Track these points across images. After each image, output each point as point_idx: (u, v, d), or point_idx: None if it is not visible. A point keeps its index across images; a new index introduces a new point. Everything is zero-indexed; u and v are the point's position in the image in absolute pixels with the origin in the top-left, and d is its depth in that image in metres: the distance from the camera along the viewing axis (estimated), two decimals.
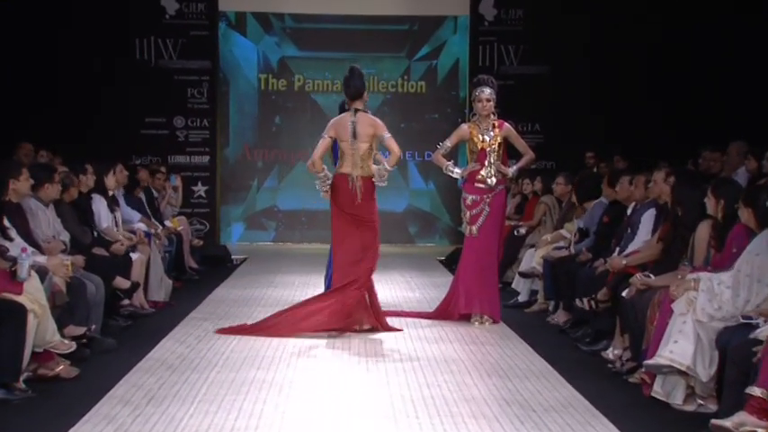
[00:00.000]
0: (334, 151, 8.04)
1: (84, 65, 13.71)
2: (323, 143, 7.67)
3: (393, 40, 15.16)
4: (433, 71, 15.18)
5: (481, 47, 14.46)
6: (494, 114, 8.29)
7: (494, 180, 8.20)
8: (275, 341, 7.21)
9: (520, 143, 8.44)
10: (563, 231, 8.98)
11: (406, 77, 15.17)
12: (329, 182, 7.72)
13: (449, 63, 15.14)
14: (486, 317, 8.10)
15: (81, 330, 6.56)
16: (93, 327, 6.85)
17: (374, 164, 7.69)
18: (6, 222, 6.45)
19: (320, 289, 9.82)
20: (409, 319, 8.24)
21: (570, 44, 14.11)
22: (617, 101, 13.86)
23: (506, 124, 8.33)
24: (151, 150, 14.05)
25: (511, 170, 8.40)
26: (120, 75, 13.96)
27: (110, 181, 8.82)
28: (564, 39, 14.11)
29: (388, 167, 7.64)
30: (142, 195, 10.44)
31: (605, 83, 13.94)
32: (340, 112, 8.10)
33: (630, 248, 7.14)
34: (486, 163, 8.22)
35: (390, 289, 10.27)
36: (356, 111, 7.63)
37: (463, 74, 14.94)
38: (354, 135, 7.57)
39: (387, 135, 7.60)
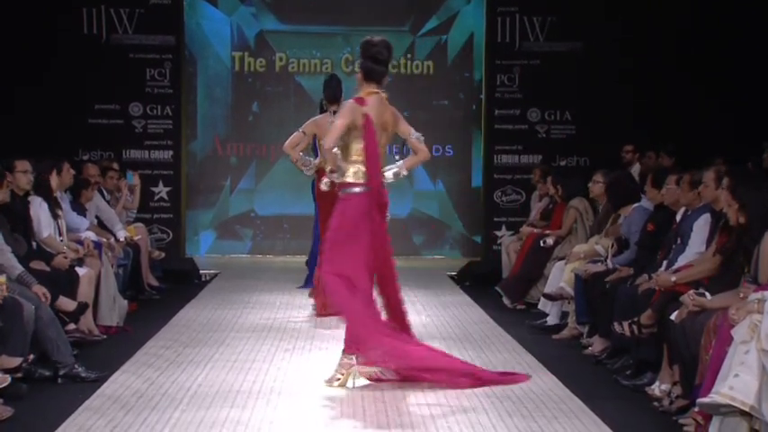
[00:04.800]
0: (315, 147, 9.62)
1: (19, 40, 13.69)
2: (295, 136, 9.23)
3: (394, 11, 15.16)
4: (443, 48, 15.18)
5: (500, 19, 14.46)
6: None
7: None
8: (251, 374, 7.20)
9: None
10: (598, 247, 8.97)
11: (409, 56, 15.17)
12: (311, 165, 9.12)
13: (461, 39, 15.13)
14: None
15: (16, 362, 6.54)
16: (32, 357, 6.83)
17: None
18: None
19: (307, 310, 9.88)
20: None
21: (607, 16, 14.10)
22: (664, 84, 13.85)
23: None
24: (102, 144, 14.04)
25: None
26: (63, 52, 13.94)
27: (53, 181, 8.80)
28: (600, 9, 14.11)
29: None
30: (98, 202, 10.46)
31: (650, 63, 13.93)
32: (321, 112, 9.86)
33: (681, 262, 7.12)
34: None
35: None
36: (335, 113, 8.63)
37: (479, 51, 14.94)
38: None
39: None
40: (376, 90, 7.03)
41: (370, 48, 7.05)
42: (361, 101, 6.99)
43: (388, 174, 7.13)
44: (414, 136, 7.14)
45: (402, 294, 7.19)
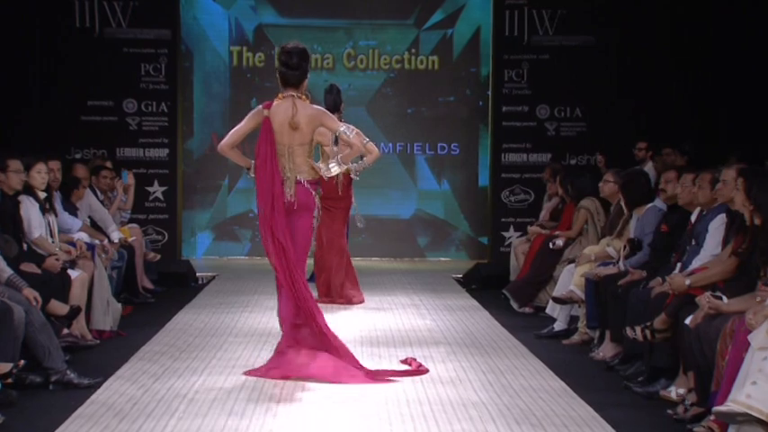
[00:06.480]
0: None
1: (9, 33, 13.69)
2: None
3: (398, 4, 15.18)
4: (448, 43, 15.18)
5: (508, 12, 14.47)
6: None
7: None
8: (250, 380, 7.20)
9: None
10: (609, 249, 8.97)
11: (414, 51, 15.17)
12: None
13: (467, 32, 15.14)
14: None
15: (6, 367, 6.52)
16: (22, 362, 6.81)
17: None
18: None
19: None
20: (418, 351, 8.22)
21: (619, 8, 14.09)
22: (679, 80, 13.85)
23: None
24: (95, 142, 14.06)
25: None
26: (55, 47, 13.94)
27: (34, 178, 8.69)
28: (611, 2, 14.10)
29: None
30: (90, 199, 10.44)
31: (664, 57, 13.92)
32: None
33: (695, 264, 7.12)
34: None
35: (394, 314, 10.24)
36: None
37: (485, 46, 14.94)
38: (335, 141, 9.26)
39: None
40: (291, 93, 7.51)
41: (281, 54, 7.58)
42: (267, 105, 7.55)
43: (331, 168, 7.64)
44: (340, 131, 7.54)
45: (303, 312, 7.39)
